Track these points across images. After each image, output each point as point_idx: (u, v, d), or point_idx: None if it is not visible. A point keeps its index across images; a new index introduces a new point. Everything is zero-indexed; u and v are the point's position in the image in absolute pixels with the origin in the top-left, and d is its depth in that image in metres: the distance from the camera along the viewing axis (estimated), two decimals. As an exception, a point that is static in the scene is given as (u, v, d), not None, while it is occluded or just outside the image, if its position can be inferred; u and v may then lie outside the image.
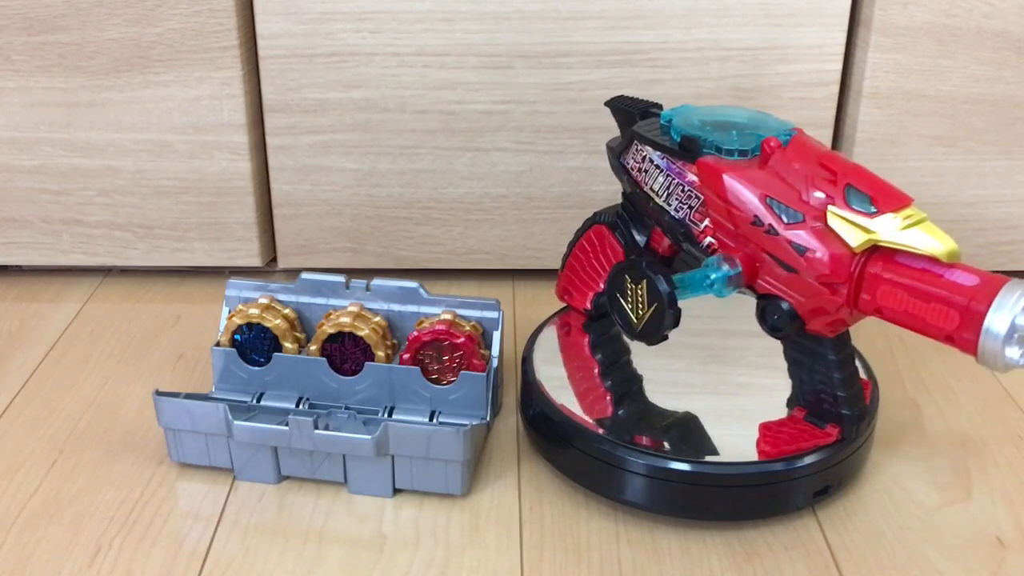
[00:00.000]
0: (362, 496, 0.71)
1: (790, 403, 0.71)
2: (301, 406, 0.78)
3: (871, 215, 0.61)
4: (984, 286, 0.58)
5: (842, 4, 0.90)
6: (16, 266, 1.03)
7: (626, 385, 0.75)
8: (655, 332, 0.66)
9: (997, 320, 0.57)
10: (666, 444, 0.68)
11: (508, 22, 0.90)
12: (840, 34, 0.91)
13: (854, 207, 0.61)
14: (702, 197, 0.68)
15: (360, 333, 0.77)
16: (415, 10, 0.90)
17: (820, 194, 0.63)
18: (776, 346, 0.69)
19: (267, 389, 0.78)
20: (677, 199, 0.70)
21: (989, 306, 0.57)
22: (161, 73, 0.92)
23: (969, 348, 0.58)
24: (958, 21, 0.90)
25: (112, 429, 0.79)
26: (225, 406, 0.70)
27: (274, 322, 0.78)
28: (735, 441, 0.69)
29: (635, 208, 0.76)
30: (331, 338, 0.77)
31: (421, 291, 0.79)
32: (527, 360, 0.77)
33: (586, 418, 0.71)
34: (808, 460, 0.67)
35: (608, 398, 0.74)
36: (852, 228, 0.61)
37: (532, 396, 0.74)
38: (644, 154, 0.72)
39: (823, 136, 0.95)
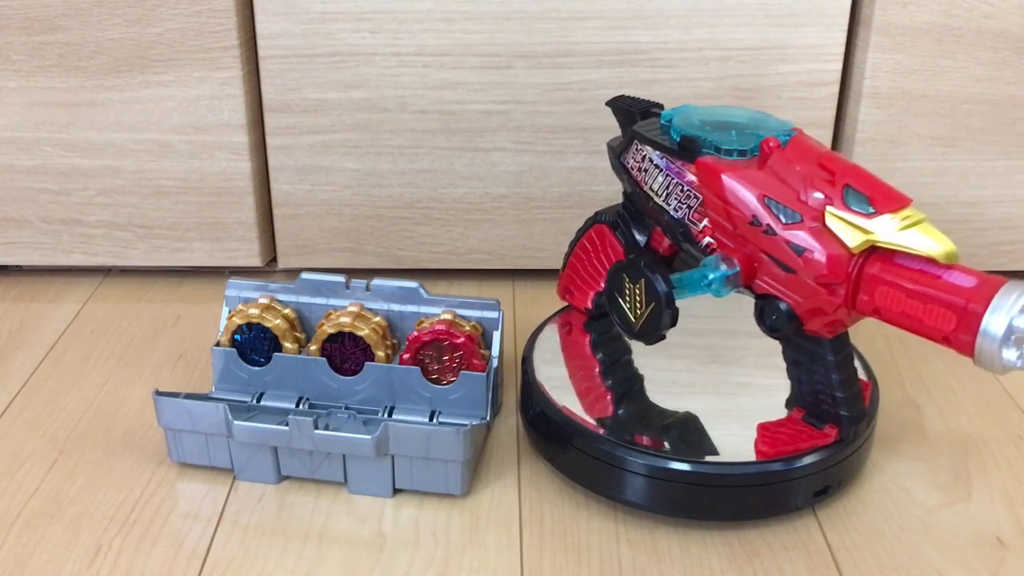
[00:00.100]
0: (362, 496, 0.72)
1: (789, 404, 0.71)
2: (301, 406, 0.78)
3: (869, 216, 0.61)
4: (981, 287, 0.58)
5: (842, 4, 0.90)
6: (16, 266, 1.03)
7: (627, 385, 0.75)
8: (653, 331, 0.66)
9: (994, 322, 0.57)
10: (666, 444, 0.68)
11: (508, 22, 0.90)
12: (840, 34, 0.91)
13: (852, 208, 0.61)
14: (701, 197, 0.68)
15: (360, 333, 0.77)
16: (415, 10, 0.90)
17: (819, 194, 0.63)
18: (776, 346, 0.69)
19: (267, 389, 0.78)
20: (676, 199, 0.70)
21: (986, 308, 0.57)
22: (161, 73, 0.92)
23: (966, 350, 0.58)
24: (958, 21, 0.90)
25: (112, 429, 0.79)
26: (225, 406, 0.71)
27: (274, 322, 0.78)
28: (735, 441, 0.69)
29: (636, 208, 0.76)
30: (331, 338, 0.77)
31: (421, 291, 0.79)
32: (527, 360, 0.77)
33: (586, 418, 0.71)
34: (808, 460, 0.67)
35: (609, 398, 0.74)
36: (850, 229, 0.61)
37: (532, 396, 0.74)
38: (644, 154, 0.72)
39: (823, 136, 0.95)
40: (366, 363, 0.76)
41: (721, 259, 0.66)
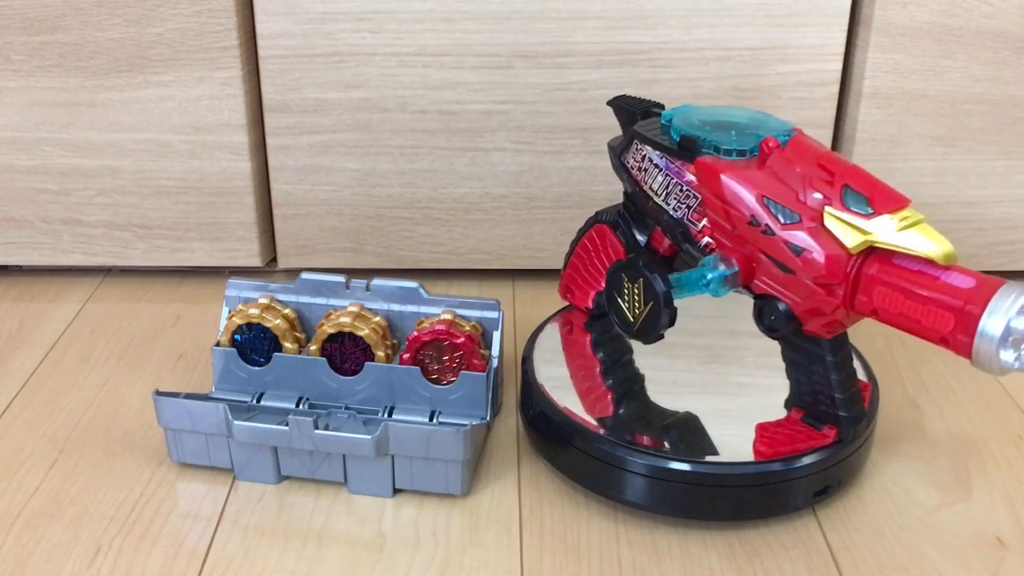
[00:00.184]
0: (362, 496, 0.72)
1: (788, 404, 0.71)
2: (301, 406, 0.78)
3: (868, 216, 0.61)
4: (979, 289, 0.58)
5: (842, 4, 0.90)
6: (16, 266, 1.03)
7: (627, 384, 0.75)
8: (651, 331, 0.66)
9: (991, 323, 0.57)
10: (666, 444, 0.68)
11: (508, 22, 0.90)
12: (840, 34, 0.91)
13: (851, 208, 0.61)
14: (700, 197, 0.68)
15: (360, 333, 0.77)
16: (415, 10, 0.90)
17: (817, 195, 0.63)
18: (776, 346, 0.69)
19: (267, 389, 0.78)
20: (676, 198, 0.70)
21: (984, 309, 0.57)
22: (161, 73, 0.92)
23: (964, 351, 0.58)
24: (958, 21, 0.90)
25: (112, 429, 0.79)
26: (225, 406, 0.71)
27: (274, 322, 0.78)
28: (735, 441, 0.69)
29: (636, 207, 0.76)
30: (331, 338, 0.77)
31: (421, 291, 0.79)
32: (527, 360, 0.77)
33: (586, 418, 0.71)
34: (808, 460, 0.67)
35: (609, 397, 0.74)
36: (848, 229, 0.61)
37: (532, 396, 0.74)
38: (644, 153, 0.72)
39: (823, 136, 0.95)
40: (366, 363, 0.76)
41: (719, 259, 0.66)
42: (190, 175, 0.96)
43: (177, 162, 0.95)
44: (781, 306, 0.65)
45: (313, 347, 0.78)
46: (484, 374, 0.75)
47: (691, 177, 0.68)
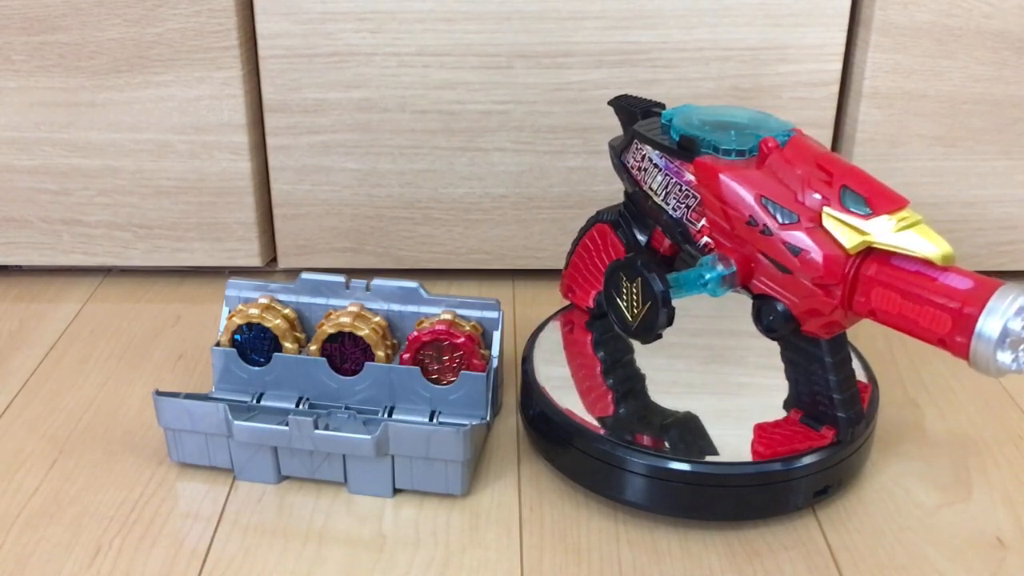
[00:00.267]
0: (362, 496, 0.72)
1: (787, 405, 0.71)
2: (301, 406, 0.78)
3: (866, 217, 0.61)
4: (977, 290, 0.58)
5: (842, 4, 0.90)
6: (16, 266, 1.03)
7: (628, 384, 0.75)
8: (649, 330, 0.66)
9: (989, 324, 0.57)
10: (666, 444, 0.68)
11: (508, 22, 0.90)
12: (840, 34, 0.91)
13: (849, 208, 0.61)
14: (699, 196, 0.68)
15: (360, 333, 0.77)
16: (415, 10, 0.90)
17: (816, 195, 0.63)
18: (776, 346, 0.69)
19: (267, 389, 0.78)
20: (675, 198, 0.70)
21: (981, 310, 0.57)
22: (161, 73, 0.92)
23: (961, 352, 0.58)
24: (958, 21, 0.90)
25: (112, 429, 0.79)
26: (225, 406, 0.71)
27: (274, 322, 0.78)
28: (735, 441, 0.69)
29: (636, 207, 0.76)
30: (331, 338, 0.77)
31: (421, 291, 0.79)
32: (527, 360, 0.78)
33: (586, 418, 0.71)
34: (808, 460, 0.67)
35: (609, 397, 0.74)
36: (847, 229, 0.61)
37: (532, 396, 0.74)
38: (644, 153, 0.72)
39: (823, 136, 0.94)
40: (366, 363, 0.76)
41: (718, 259, 0.66)
42: (190, 175, 0.96)
43: (177, 162, 0.95)
44: (779, 306, 0.65)
45: (313, 347, 0.78)
46: (484, 374, 0.75)
47: (690, 177, 0.68)
